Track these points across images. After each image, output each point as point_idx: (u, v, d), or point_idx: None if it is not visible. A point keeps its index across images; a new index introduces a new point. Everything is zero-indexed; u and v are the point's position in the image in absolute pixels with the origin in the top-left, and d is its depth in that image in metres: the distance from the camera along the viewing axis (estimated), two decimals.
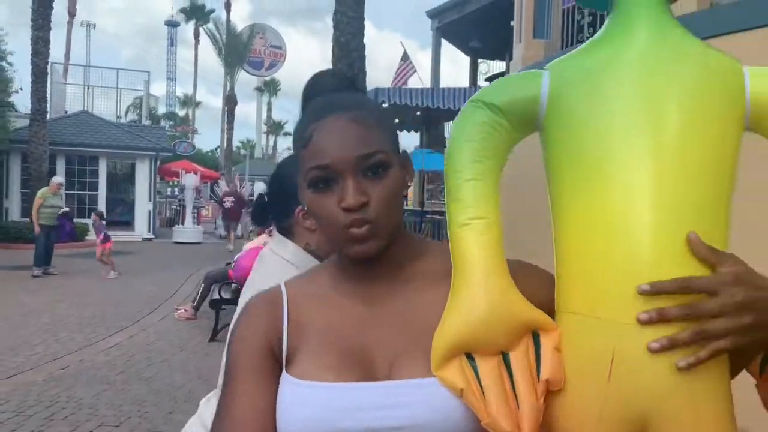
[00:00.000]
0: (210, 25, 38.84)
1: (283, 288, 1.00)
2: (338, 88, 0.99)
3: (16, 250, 15.26)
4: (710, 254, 0.81)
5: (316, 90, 0.99)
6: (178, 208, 19.49)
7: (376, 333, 0.93)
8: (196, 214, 20.06)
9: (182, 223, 18.95)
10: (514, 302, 0.87)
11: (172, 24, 52.50)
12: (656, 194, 0.84)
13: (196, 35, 46.90)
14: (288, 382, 0.91)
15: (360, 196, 0.87)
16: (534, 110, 0.94)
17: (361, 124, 0.90)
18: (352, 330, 0.94)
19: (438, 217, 14.01)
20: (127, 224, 19.91)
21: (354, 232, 0.88)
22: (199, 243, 18.36)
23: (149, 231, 19.82)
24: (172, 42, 54.03)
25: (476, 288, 0.86)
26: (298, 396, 0.89)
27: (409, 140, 19.42)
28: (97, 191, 19.51)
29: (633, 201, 0.85)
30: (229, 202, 17.17)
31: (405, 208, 15.26)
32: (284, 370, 0.93)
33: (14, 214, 18.30)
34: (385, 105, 13.09)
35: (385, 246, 0.91)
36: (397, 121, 17.14)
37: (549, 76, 0.94)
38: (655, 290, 0.79)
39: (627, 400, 0.83)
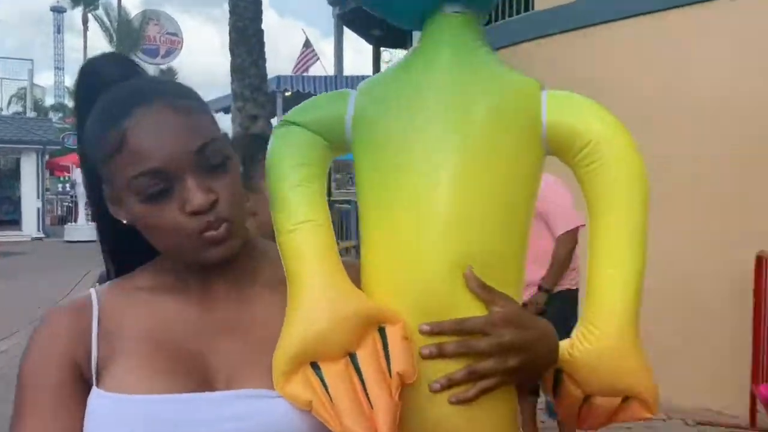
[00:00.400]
0: (99, 11, 36.89)
1: (93, 293, 0.86)
2: (125, 75, 0.83)
3: None
4: (483, 292, 0.83)
5: (97, 80, 0.83)
6: (70, 204, 18.38)
7: (214, 340, 0.83)
8: (89, 211, 19.02)
9: (75, 221, 17.92)
10: (355, 300, 0.83)
11: (58, 10, 49.34)
12: (448, 221, 0.85)
13: (85, 21, 44.37)
14: (99, 398, 0.78)
15: (208, 194, 0.76)
16: (340, 130, 0.94)
17: (187, 112, 0.78)
18: (184, 335, 0.83)
19: (346, 206, 14.00)
20: (15, 223, 18.64)
21: (211, 235, 0.77)
22: (93, 241, 17.41)
23: (39, 230, 18.64)
24: (58, 29, 50.78)
25: (313, 291, 0.82)
26: (114, 412, 0.77)
27: None
28: None
29: (425, 230, 0.85)
30: None
31: None
32: (94, 385, 0.79)
33: None
34: (288, 93, 12.91)
35: (241, 244, 0.81)
36: None
37: (356, 97, 0.94)
38: (435, 330, 0.82)
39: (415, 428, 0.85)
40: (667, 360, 3.40)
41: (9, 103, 33.02)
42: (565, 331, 0.95)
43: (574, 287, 3.49)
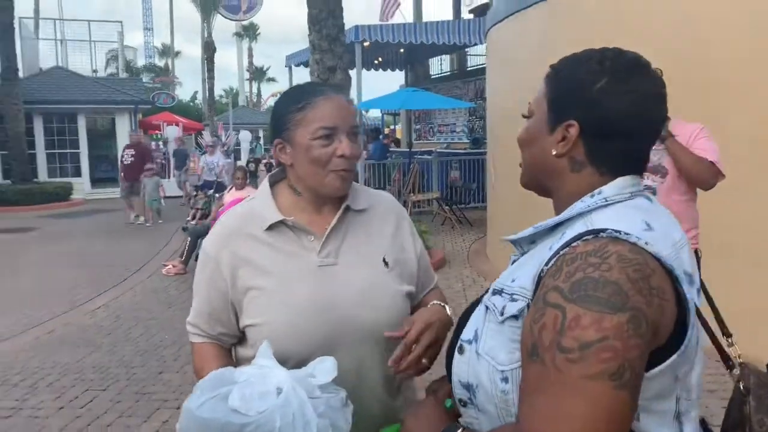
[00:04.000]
0: None
1: None
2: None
3: (6, 213, 14.98)
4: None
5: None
6: (162, 161, 18.99)
7: None
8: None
9: (168, 177, 18.59)
10: None
11: None
12: None
13: None
14: None
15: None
16: None
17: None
18: None
19: (427, 157, 13.77)
20: (113, 181, 19.54)
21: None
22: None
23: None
24: None
25: None
26: None
27: (392, 79, 18.97)
28: (78, 149, 19.09)
29: None
30: (128, 156, 13.14)
31: (394, 149, 15.00)
32: None
33: None
34: (366, 43, 12.65)
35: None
36: (380, 59, 16.67)
37: None
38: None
39: None
40: None
41: (106, 65, 34.38)
42: None
43: (693, 248, 3.22)
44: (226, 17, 38.03)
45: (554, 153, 1.02)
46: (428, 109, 16.16)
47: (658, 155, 3.19)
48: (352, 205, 1.45)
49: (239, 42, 51.32)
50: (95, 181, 19.63)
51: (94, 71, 24.56)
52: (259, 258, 1.39)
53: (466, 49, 16.38)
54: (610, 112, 0.98)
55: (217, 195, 10.54)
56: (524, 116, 1.11)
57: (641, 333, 0.83)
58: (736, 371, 1.16)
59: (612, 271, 0.85)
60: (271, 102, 61.40)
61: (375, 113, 29.66)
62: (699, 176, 3.12)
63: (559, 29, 6.05)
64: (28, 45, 21.74)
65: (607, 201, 0.98)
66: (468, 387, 1.00)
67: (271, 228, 1.40)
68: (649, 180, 3.20)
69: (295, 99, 1.40)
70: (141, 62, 46.87)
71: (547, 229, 1.02)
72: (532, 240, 1.05)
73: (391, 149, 16.50)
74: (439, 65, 19.25)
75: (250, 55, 55.12)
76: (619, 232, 0.89)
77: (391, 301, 1.41)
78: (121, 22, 26.21)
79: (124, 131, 19.31)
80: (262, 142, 28.73)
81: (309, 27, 8.26)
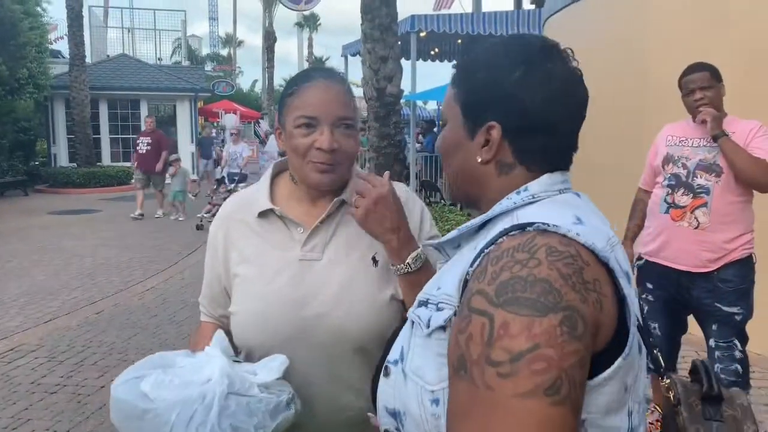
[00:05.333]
0: None
1: None
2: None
3: (65, 194, 15.58)
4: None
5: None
6: (221, 148, 19.38)
7: None
8: None
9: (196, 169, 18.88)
10: None
11: None
12: None
13: None
14: None
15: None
16: None
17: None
18: None
19: None
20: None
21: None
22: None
23: (193, 172, 19.91)
24: None
25: None
26: None
27: (449, 70, 18.80)
28: None
29: None
30: (143, 145, 12.06)
31: None
32: None
33: (62, 159, 18.63)
34: (423, 33, 12.52)
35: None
36: (436, 50, 16.49)
37: None
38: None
39: None
40: None
41: (172, 54, 35.23)
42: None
43: (747, 254, 3.01)
44: (287, 7, 38.35)
45: (479, 160, 0.93)
46: None
47: (713, 153, 2.99)
48: (349, 199, 1.37)
49: (300, 32, 51.84)
50: (170, 165, 20.13)
51: (159, 59, 25.19)
52: (246, 245, 1.37)
53: None
54: (530, 105, 0.90)
55: (239, 188, 10.46)
56: (441, 124, 1.03)
57: (578, 335, 0.73)
58: (667, 380, 1.07)
59: (541, 266, 0.76)
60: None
61: (432, 105, 29.47)
62: (754, 178, 2.89)
63: (616, 20, 5.80)
64: (96, 33, 22.51)
65: (533, 198, 0.91)
66: (395, 414, 0.90)
67: (262, 216, 1.37)
68: (702, 179, 3.00)
69: (290, 84, 1.36)
70: (205, 51, 47.92)
71: (473, 232, 0.94)
72: (458, 244, 0.97)
73: None
74: None
75: (310, 45, 55.61)
76: (547, 224, 0.81)
77: (369, 305, 1.30)
78: (184, 11, 26.84)
79: (184, 118, 19.78)
80: None
81: (362, 16, 8.19)
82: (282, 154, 1.47)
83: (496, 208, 0.91)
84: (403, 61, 8.55)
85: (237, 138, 12.73)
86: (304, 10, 44.35)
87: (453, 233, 0.96)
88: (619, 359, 0.79)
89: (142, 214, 11.72)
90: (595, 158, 6.16)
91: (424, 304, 0.91)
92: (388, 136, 8.25)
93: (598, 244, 0.82)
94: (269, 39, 35.55)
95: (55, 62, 19.23)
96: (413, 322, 0.91)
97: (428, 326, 0.87)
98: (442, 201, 11.45)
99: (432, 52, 16.54)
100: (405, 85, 8.63)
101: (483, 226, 0.93)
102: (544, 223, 0.82)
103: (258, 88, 45.00)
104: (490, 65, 0.93)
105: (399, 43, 8.46)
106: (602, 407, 0.79)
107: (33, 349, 4.91)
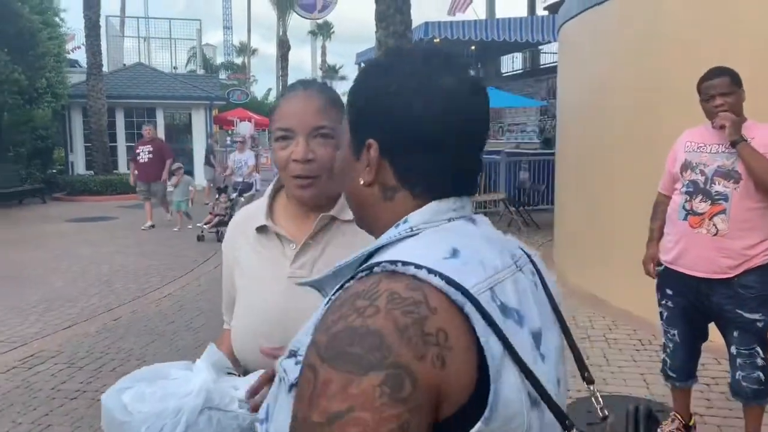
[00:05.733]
0: None
1: None
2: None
3: (82, 202, 15.73)
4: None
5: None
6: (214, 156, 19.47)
7: None
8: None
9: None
10: None
11: None
12: None
13: None
14: None
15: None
16: None
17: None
18: None
19: (495, 157, 13.52)
20: (188, 174, 20.17)
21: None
22: (258, 190, 18.43)
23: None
24: None
25: None
26: None
27: None
28: None
29: None
30: (144, 154, 11.35)
31: None
32: None
33: (79, 167, 18.83)
34: (437, 40, 12.54)
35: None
36: None
37: None
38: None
39: None
40: None
41: (187, 62, 35.53)
42: None
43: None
44: (301, 15, 38.59)
45: (362, 182, 0.86)
46: (497, 107, 15.90)
47: (731, 159, 2.96)
48: (339, 214, 1.35)
49: (313, 40, 52.13)
50: (172, 174, 20.30)
51: (174, 68, 25.42)
52: (245, 259, 1.39)
53: (540, 47, 16.01)
54: (407, 120, 0.82)
55: (243, 198, 10.27)
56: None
57: (402, 397, 0.65)
58: (611, 419, 0.93)
59: (377, 316, 0.68)
60: (343, 100, 61.96)
61: None
62: None
63: (635, 26, 5.78)
64: (113, 42, 22.77)
65: (412, 230, 0.82)
66: None
67: (260, 231, 1.38)
68: (721, 186, 2.97)
69: (278, 98, 1.42)
70: (220, 60, 48.31)
71: (354, 268, 0.82)
72: (341, 282, 0.83)
73: None
74: (511, 63, 18.91)
75: (323, 53, 55.89)
76: (396, 263, 0.73)
77: None
78: (199, 20, 27.07)
79: (200, 126, 19.93)
80: None
81: (376, 23, 8.25)
82: None
83: (380, 241, 0.83)
84: None
85: (242, 146, 12.16)
86: (318, 19, 44.61)
87: (328, 270, 0.87)
88: (479, 424, 0.69)
89: (152, 225, 11.37)
90: (613, 164, 6.14)
91: (294, 354, 0.79)
92: None
93: (468, 281, 0.73)
94: (283, 47, 35.77)
95: (72, 71, 19.48)
96: (281, 378, 0.81)
97: (289, 381, 0.78)
98: None
99: None
100: None
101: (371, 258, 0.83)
102: (392, 263, 0.73)
103: (272, 96, 45.29)
104: (371, 79, 0.87)
105: None
106: None
107: (52, 356, 4.96)
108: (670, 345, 3.30)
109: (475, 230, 0.85)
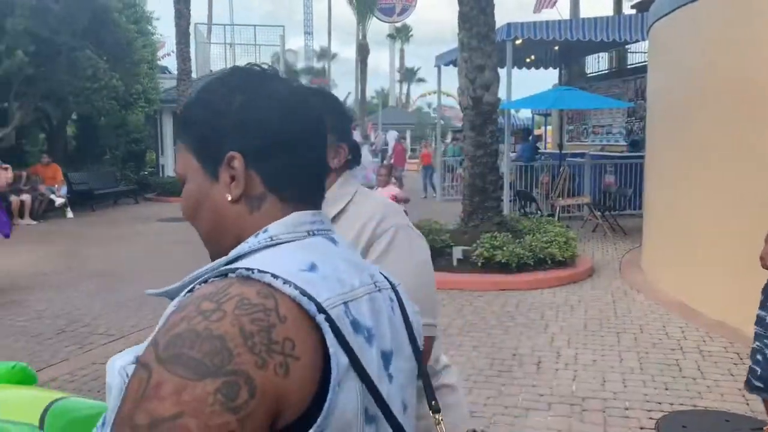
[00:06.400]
0: None
1: None
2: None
3: (171, 203, 16.43)
4: None
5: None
6: None
7: None
8: None
9: None
10: None
11: None
12: None
13: None
14: None
15: None
16: None
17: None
18: None
19: (579, 159, 13.18)
20: None
21: None
22: None
23: None
24: None
25: None
26: None
27: (545, 78, 18.39)
28: None
29: None
30: None
31: (544, 151, 14.62)
32: None
33: (169, 169, 19.69)
34: (518, 41, 12.35)
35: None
36: (532, 57, 16.22)
37: None
38: None
39: None
40: None
41: None
42: None
43: None
44: (380, 19, 39.00)
45: (230, 198, 0.86)
46: (581, 109, 15.49)
47: None
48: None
49: (392, 43, 52.49)
50: None
51: None
52: None
53: (627, 46, 15.48)
54: (262, 124, 0.85)
55: None
56: (181, 184, 0.93)
57: (236, 405, 0.65)
58: None
59: (224, 321, 0.68)
60: (420, 102, 62.37)
61: (525, 113, 28.99)
62: None
63: (732, 24, 5.50)
64: (201, 48, 23.68)
65: (272, 240, 0.83)
66: None
67: None
68: None
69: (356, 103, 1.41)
70: (300, 65, 49.44)
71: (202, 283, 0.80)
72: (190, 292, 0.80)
73: (540, 151, 16.00)
74: (596, 63, 18.38)
75: (402, 57, 56.17)
76: (252, 270, 0.73)
77: None
78: (282, 26, 27.84)
79: None
80: (408, 142, 29.12)
81: (459, 25, 8.19)
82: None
83: (239, 249, 0.82)
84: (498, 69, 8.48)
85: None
86: (397, 22, 44.94)
87: (178, 283, 0.85)
88: (311, 430, 0.70)
89: None
90: (709, 167, 5.85)
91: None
92: (484, 145, 8.19)
93: (322, 294, 0.75)
94: (362, 51, 36.21)
95: (163, 78, 20.39)
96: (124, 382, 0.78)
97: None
98: (539, 211, 11.22)
99: (528, 60, 16.28)
100: (500, 93, 8.54)
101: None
102: (248, 269, 0.74)
103: (350, 100, 45.97)
104: (209, 101, 0.88)
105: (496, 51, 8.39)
106: None
107: None
108: (767, 352, 3.12)
109: (335, 249, 0.87)
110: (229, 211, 0.87)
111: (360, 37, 36.47)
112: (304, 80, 39.72)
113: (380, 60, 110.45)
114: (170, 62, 21.91)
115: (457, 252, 7.48)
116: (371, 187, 10.56)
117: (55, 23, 12.55)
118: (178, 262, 8.79)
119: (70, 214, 13.80)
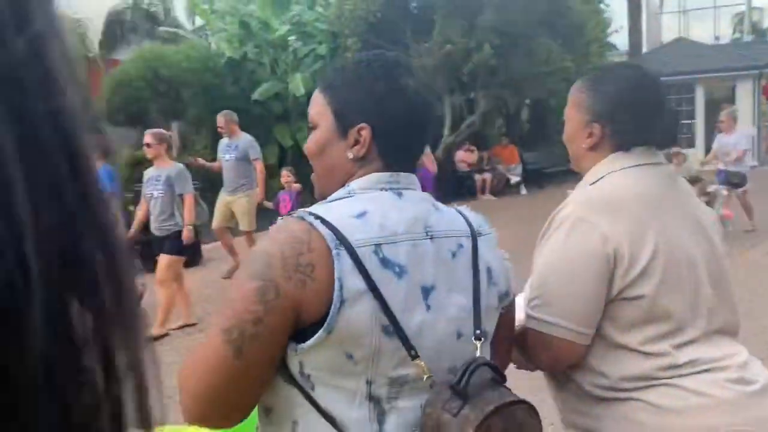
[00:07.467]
0: None
1: None
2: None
3: None
4: None
5: None
6: None
7: None
8: None
9: None
10: None
11: None
12: None
13: None
14: None
15: None
16: None
17: None
18: None
19: None
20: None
21: None
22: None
23: (753, 158, 18.14)
24: None
25: None
26: None
27: None
28: (694, 119, 18.96)
29: None
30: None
31: None
32: None
33: None
34: None
35: None
36: None
37: None
38: None
39: None
40: None
41: (733, 30, 32.70)
42: None
43: None
44: None
45: (351, 156, 1.11)
46: None
47: None
48: None
49: None
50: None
51: (716, 38, 23.72)
52: None
53: None
54: (392, 112, 1.10)
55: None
56: (309, 127, 1.17)
57: (265, 300, 0.97)
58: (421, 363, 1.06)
59: (274, 245, 1.02)
60: None
61: None
62: None
63: None
64: (652, 20, 22.61)
65: (350, 193, 1.09)
66: None
67: None
68: None
69: None
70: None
71: None
72: None
73: None
74: None
75: None
76: (305, 214, 1.03)
77: None
78: None
79: (747, 100, 18.19)
80: None
81: None
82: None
83: (330, 198, 1.12)
84: None
85: (730, 123, 8.74)
86: None
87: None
88: (320, 332, 0.97)
89: None
90: None
91: None
92: None
93: (356, 235, 1.01)
94: None
95: (611, 56, 20.18)
96: None
97: None
98: None
99: None
100: None
101: None
102: (308, 212, 1.03)
103: None
104: (360, 77, 1.13)
105: None
106: (322, 367, 1.01)
107: None
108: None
109: (395, 201, 1.08)
110: (343, 164, 1.13)
111: None
112: None
113: None
114: (616, 38, 21.51)
115: None
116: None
117: (516, 16, 13.62)
118: None
119: (523, 191, 14.95)
